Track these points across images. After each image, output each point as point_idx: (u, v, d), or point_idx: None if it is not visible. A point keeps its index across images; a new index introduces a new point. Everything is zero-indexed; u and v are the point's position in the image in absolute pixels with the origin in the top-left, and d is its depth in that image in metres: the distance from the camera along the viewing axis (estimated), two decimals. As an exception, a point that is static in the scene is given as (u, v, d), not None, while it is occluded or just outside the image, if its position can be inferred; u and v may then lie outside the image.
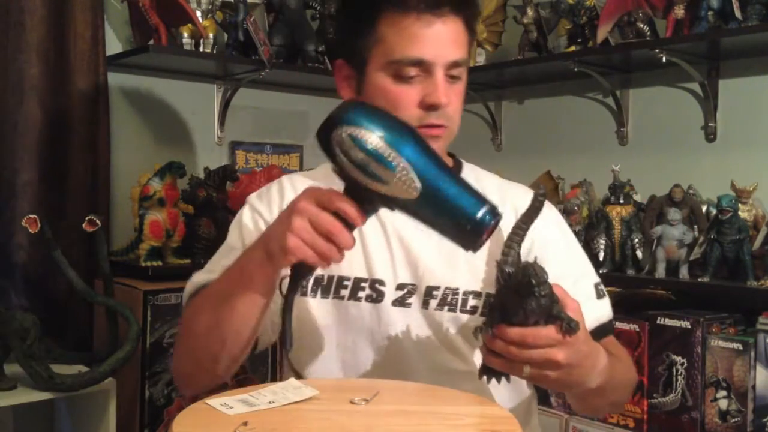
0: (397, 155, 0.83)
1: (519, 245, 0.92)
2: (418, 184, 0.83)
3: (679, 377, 1.86)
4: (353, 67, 1.14)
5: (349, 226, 0.89)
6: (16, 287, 2.00)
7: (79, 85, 2.09)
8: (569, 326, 0.87)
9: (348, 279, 1.14)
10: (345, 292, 1.14)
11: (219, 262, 1.15)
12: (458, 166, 1.24)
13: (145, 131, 2.33)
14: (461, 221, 0.84)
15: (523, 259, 0.92)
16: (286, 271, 0.94)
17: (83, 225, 1.85)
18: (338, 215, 0.88)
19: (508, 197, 1.19)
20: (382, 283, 1.13)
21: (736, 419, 1.76)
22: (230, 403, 0.81)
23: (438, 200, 0.84)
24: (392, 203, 0.87)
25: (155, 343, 1.93)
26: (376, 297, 1.13)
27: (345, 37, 1.17)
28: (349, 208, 0.88)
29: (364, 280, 1.14)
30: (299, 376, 1.00)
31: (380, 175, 0.84)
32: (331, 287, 1.14)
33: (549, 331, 0.87)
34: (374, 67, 1.10)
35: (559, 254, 1.19)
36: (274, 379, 2.08)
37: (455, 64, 1.10)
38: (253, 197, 1.24)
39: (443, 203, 0.84)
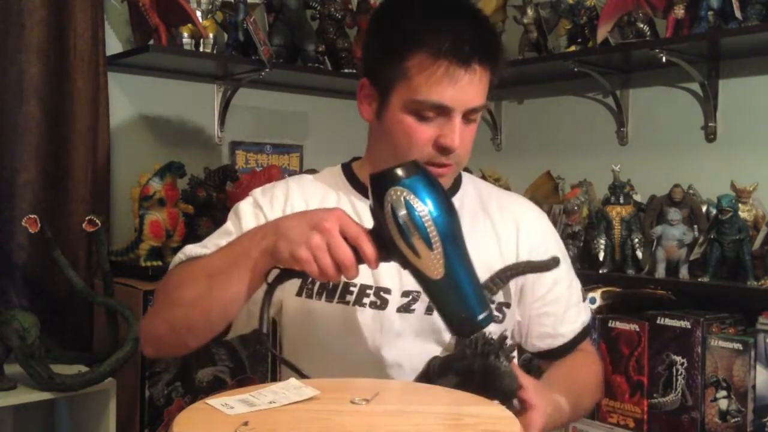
0: (438, 240, 0.87)
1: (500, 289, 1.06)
2: (442, 270, 0.88)
3: (679, 377, 1.86)
4: (376, 89, 1.15)
5: (361, 261, 0.92)
6: (16, 287, 2.00)
7: (79, 85, 2.08)
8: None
9: (354, 285, 1.15)
10: (350, 298, 1.15)
11: (213, 241, 1.17)
12: (457, 181, 1.26)
13: (145, 131, 2.32)
14: (462, 314, 0.90)
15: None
16: None
17: (83, 225, 1.86)
18: (355, 249, 0.91)
19: (509, 209, 1.25)
20: (387, 291, 1.15)
21: (736, 419, 1.76)
22: (231, 403, 0.81)
23: (451, 289, 0.90)
24: (410, 268, 0.90)
25: (155, 343, 1.92)
26: (380, 304, 1.15)
27: (372, 61, 1.17)
28: (370, 252, 0.90)
29: (370, 287, 1.15)
30: (287, 362, 1.04)
31: (416, 248, 0.87)
32: (337, 292, 1.16)
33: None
34: (396, 98, 1.11)
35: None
36: (274, 379, 2.08)
37: (474, 111, 1.12)
38: (256, 192, 1.24)
39: (454, 294, 0.90)
